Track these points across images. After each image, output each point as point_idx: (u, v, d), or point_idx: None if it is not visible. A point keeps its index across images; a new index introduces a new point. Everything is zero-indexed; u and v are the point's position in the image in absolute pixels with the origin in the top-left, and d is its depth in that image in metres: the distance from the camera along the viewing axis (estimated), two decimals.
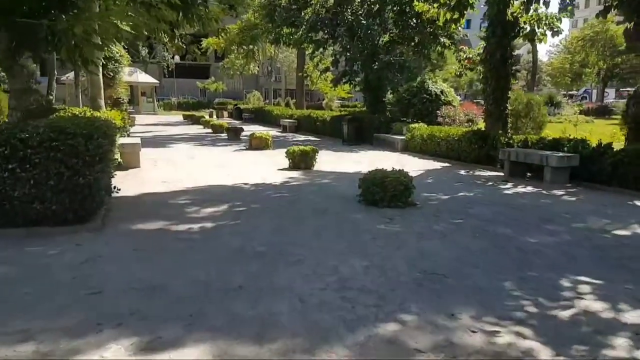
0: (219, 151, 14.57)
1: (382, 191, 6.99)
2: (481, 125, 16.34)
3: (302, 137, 20.97)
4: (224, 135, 19.27)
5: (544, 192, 8.53)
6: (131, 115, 27.32)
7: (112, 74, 23.83)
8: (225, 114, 41.49)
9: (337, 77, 19.73)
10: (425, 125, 14.85)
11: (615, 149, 9.01)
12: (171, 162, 11.85)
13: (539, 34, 12.77)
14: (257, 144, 14.79)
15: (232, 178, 9.62)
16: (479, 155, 11.62)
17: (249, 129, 26.16)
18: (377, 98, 19.68)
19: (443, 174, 10.58)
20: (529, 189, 8.82)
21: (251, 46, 35.70)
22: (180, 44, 49.42)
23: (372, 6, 18.40)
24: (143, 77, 45.64)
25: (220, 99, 51.67)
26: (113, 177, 7.35)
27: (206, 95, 56.50)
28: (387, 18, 18.52)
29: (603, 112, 37.73)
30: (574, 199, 8.06)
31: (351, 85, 20.48)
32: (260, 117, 31.90)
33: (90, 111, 11.93)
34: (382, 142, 16.12)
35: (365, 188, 7.22)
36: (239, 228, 5.92)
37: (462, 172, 10.88)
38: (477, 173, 10.75)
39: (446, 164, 12.10)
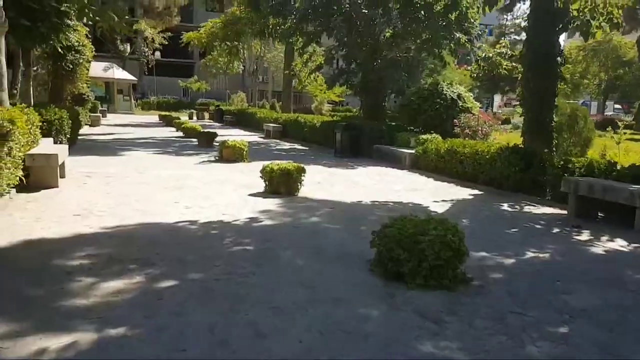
0: (180, 162, 11.49)
1: (416, 258, 4.03)
2: (502, 138, 13.52)
3: (287, 145, 17.96)
4: (195, 141, 16.18)
5: None
6: (93, 115, 24.14)
7: (71, 66, 20.63)
8: (207, 115, 38.30)
9: (333, 77, 16.72)
10: (440, 138, 11.95)
11: None
12: (109, 179, 8.76)
13: (593, 26, 9.92)
14: (229, 155, 11.75)
15: (180, 209, 6.59)
16: (521, 180, 8.74)
17: (228, 134, 23.08)
18: (376, 102, 16.78)
19: (480, 209, 7.63)
20: (622, 243, 5.89)
21: (236, 42, 32.61)
22: (159, 37, 46.22)
23: None
24: (120, 74, 42.43)
25: (203, 99, 48.42)
26: None
27: (188, 95, 53.21)
28: (391, 8, 15.63)
29: (607, 125, 35.35)
30: None
31: (346, 87, 17.47)
32: (243, 120, 28.81)
33: None
34: (385, 155, 13.18)
35: (384, 250, 4.25)
36: (141, 347, 2.90)
37: (505, 206, 7.93)
38: (526, 208, 7.80)
39: (475, 191, 9.16)
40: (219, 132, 24.24)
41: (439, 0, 15.70)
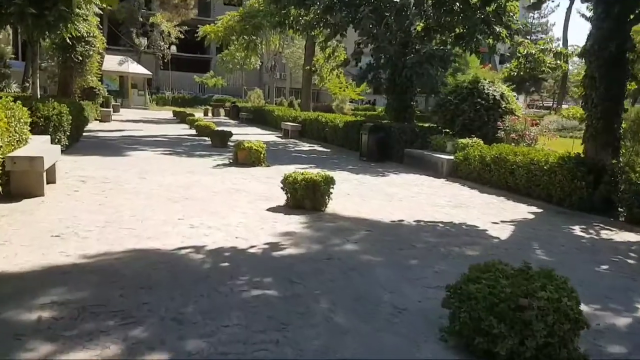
0: (190, 166, 10.28)
1: (518, 334, 2.73)
2: (554, 145, 12.09)
3: (306, 146, 16.70)
4: (208, 140, 14.99)
5: None
6: (104, 110, 23.13)
7: (80, 58, 19.60)
8: (222, 112, 37.23)
9: (362, 73, 15.31)
10: (482, 142, 10.59)
11: None
12: (106, 186, 7.58)
13: None
14: (244, 158, 10.52)
15: (183, 229, 5.36)
16: (590, 197, 7.36)
17: (243, 132, 21.93)
18: (405, 101, 15.40)
19: (551, 235, 6.23)
20: None
21: (253, 37, 31.43)
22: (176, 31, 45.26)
23: None
24: (134, 68, 41.60)
25: (219, 95, 47.39)
26: None
27: (204, 90, 52.25)
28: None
29: None
30: None
31: (374, 85, 16.05)
32: (260, 117, 27.63)
33: None
34: (417, 161, 11.83)
35: (467, 317, 2.94)
36: None
37: (577, 230, 6.55)
38: (603, 233, 6.42)
39: (533, 208, 7.79)
40: (234, 130, 23.07)
41: None
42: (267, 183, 8.56)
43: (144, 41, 46.67)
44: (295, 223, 5.94)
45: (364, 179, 9.78)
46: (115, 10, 45.59)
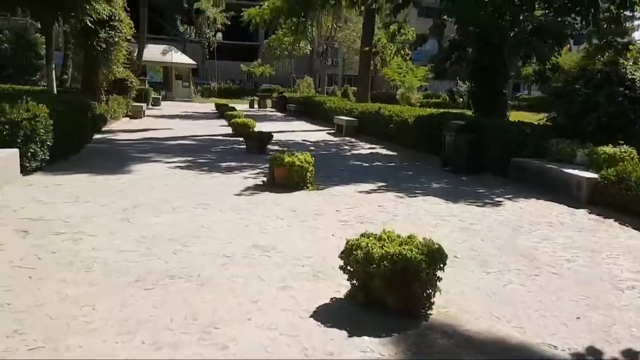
0: (205, 191, 7.18)
1: None
2: None
3: (366, 149, 13.36)
4: (243, 144, 11.92)
5: None
6: (135, 105, 20.60)
7: (104, 45, 16.99)
8: (269, 103, 34.35)
9: (441, 54, 11.69)
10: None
11: None
12: (51, 242, 4.60)
13: None
14: (283, 178, 7.33)
15: None
16: None
17: (290, 128, 18.82)
18: (493, 88, 11.73)
19: None
20: None
21: (303, 18, 28.10)
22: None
23: None
24: (178, 57, 39.48)
25: (267, 84, 44.58)
26: None
27: (252, 80, 49.63)
28: None
29: None
30: None
31: (455, 66, 12.26)
32: (309, 109, 24.45)
33: None
34: (532, 176, 8.24)
35: None
36: None
37: None
38: None
39: None
40: (280, 125, 20.09)
41: None
42: (314, 228, 5.36)
43: (189, 29, 44.47)
44: (376, 356, 2.71)
45: (467, 214, 6.34)
46: None
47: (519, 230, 5.72)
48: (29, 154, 7.32)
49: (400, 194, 7.29)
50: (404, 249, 3.25)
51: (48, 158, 7.82)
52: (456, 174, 9.30)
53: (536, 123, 9.77)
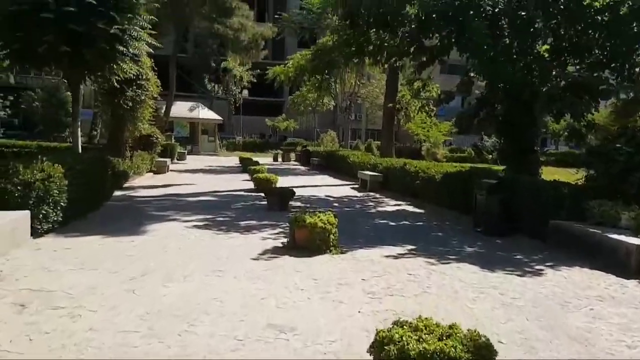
0: (221, 255, 6.75)
1: None
2: None
3: (391, 205, 12.86)
4: (264, 200, 11.58)
5: None
6: (159, 160, 20.69)
7: (130, 103, 17.24)
8: (293, 156, 34.39)
9: (469, 110, 11.30)
10: None
11: None
12: (49, 320, 4.20)
13: None
14: (305, 240, 6.87)
15: None
16: None
17: (313, 182, 18.52)
18: (523, 143, 11.24)
19: None
20: None
21: (327, 76, 28.47)
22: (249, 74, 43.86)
23: None
24: (205, 114, 40.36)
25: (291, 138, 44.96)
26: None
27: (276, 134, 50.21)
28: (556, 12, 10.27)
29: None
30: None
31: (484, 124, 11.80)
32: (333, 163, 24.23)
33: None
34: (572, 240, 7.58)
35: None
36: None
37: None
38: None
39: None
40: (303, 179, 19.84)
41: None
42: (338, 302, 4.82)
43: (216, 87, 45.66)
44: None
45: (507, 285, 5.71)
46: (189, 57, 45.20)
47: (566, 306, 5.08)
48: (41, 215, 7.05)
49: (432, 260, 6.72)
50: (445, 344, 2.71)
51: (61, 219, 7.55)
52: (489, 235, 8.69)
53: (573, 182, 9.17)
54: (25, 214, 6.76)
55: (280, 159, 34.08)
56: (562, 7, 10.59)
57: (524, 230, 8.67)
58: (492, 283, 5.78)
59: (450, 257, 6.97)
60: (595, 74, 9.67)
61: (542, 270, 6.54)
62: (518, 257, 7.25)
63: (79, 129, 15.46)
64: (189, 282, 5.29)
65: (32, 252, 6.25)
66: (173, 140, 31.73)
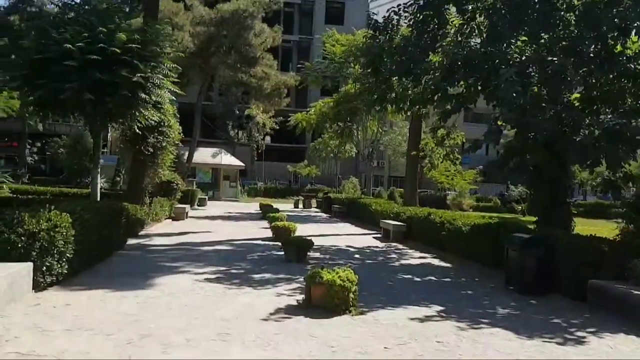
0: (230, 315, 6.23)
1: None
2: None
3: (416, 258, 12.21)
4: (281, 251, 11.10)
5: None
6: (178, 207, 20.50)
7: (151, 150, 17.25)
8: (314, 203, 34.03)
9: (499, 160, 10.71)
10: None
11: None
12: None
13: None
14: (321, 298, 6.33)
15: None
16: None
17: (334, 231, 18.00)
18: (555, 193, 10.62)
19: None
20: None
21: (348, 123, 28.47)
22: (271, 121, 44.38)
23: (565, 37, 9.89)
24: (227, 160, 40.70)
25: (312, 184, 44.78)
26: None
27: (298, 180, 50.17)
28: (588, 60, 9.86)
29: None
30: None
31: (515, 175, 11.22)
32: (354, 211, 23.72)
33: None
34: (613, 302, 6.86)
35: None
36: None
37: None
38: None
39: None
40: (324, 227, 19.34)
41: None
42: None
43: (239, 133, 46.23)
44: None
45: (546, 356, 5.05)
46: (213, 105, 46.10)
47: None
48: (44, 267, 6.70)
49: (462, 324, 6.08)
50: None
51: (66, 271, 7.19)
52: (522, 294, 7.99)
53: (611, 238, 8.47)
54: (28, 266, 6.41)
55: (301, 206, 33.73)
56: (592, 55, 10.21)
57: (560, 289, 7.94)
58: (530, 353, 5.11)
59: (483, 321, 6.31)
60: (632, 122, 9.10)
61: (584, 337, 5.83)
62: (556, 321, 6.55)
63: (99, 176, 15.39)
64: (189, 349, 4.78)
65: (30, 308, 5.85)
66: (195, 186, 31.82)
